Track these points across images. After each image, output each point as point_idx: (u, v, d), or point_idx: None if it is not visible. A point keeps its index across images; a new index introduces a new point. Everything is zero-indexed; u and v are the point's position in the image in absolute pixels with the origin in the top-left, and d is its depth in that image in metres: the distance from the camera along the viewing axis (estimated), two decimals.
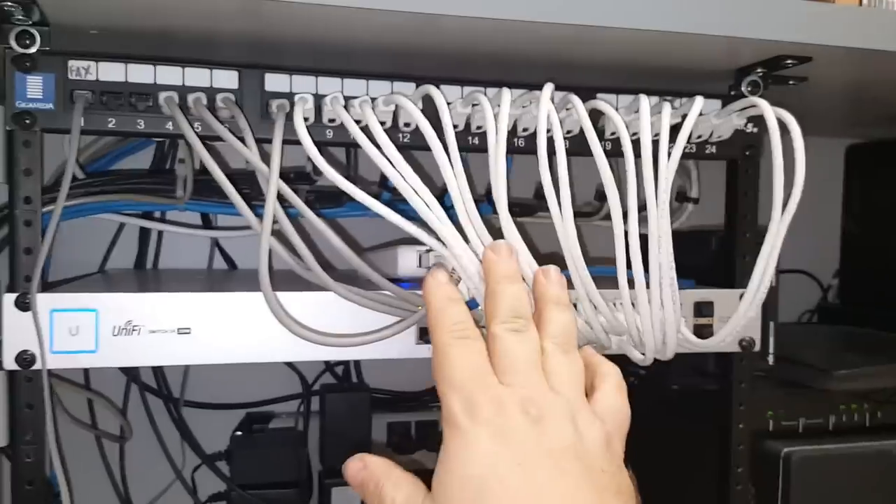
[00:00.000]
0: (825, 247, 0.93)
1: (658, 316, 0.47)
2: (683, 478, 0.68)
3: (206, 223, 0.70)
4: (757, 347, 0.55)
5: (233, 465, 0.73)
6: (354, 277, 0.49)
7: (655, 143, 0.46)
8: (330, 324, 0.48)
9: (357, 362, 0.81)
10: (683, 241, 0.62)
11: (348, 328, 0.48)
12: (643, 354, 0.49)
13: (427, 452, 0.81)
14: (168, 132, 0.46)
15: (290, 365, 0.78)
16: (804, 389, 0.64)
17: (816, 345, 0.77)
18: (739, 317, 0.48)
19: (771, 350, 0.57)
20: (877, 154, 0.86)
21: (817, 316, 0.93)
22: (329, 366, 0.80)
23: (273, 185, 0.41)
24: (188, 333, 0.46)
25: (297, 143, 0.44)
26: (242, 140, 0.44)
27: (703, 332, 0.53)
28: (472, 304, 0.49)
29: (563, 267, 0.47)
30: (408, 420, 0.81)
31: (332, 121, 0.47)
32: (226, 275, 0.70)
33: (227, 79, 0.47)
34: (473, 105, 0.48)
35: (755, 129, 0.55)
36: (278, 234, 0.44)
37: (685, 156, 0.54)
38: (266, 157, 0.44)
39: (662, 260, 0.46)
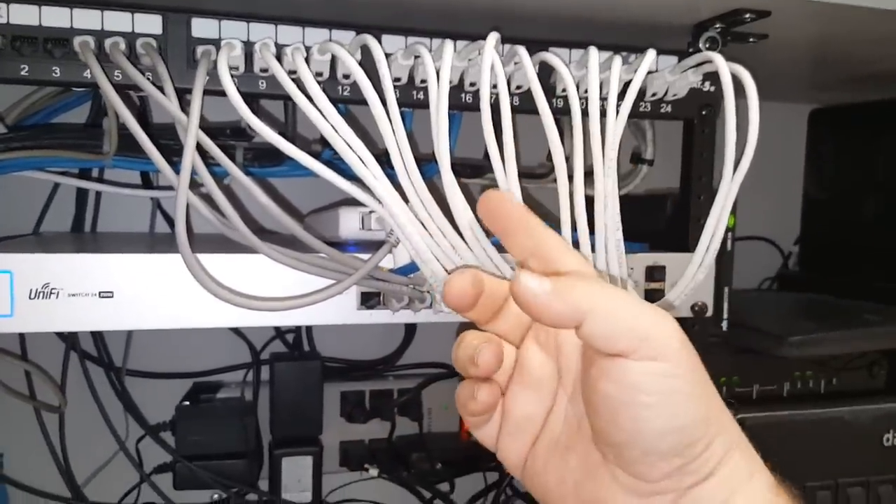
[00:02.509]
0: (787, 214, 0.92)
1: (604, 276, 0.45)
2: None
3: (147, 182, 0.67)
4: (710, 313, 0.54)
5: (178, 436, 0.71)
6: (296, 241, 0.47)
7: (605, 100, 0.44)
8: (265, 288, 0.45)
9: (309, 330, 0.79)
10: (638, 205, 0.61)
11: (283, 293, 0.45)
12: None
13: (381, 422, 0.79)
14: (87, 80, 0.43)
15: (238, 333, 0.76)
16: (759, 356, 0.64)
17: (773, 311, 0.77)
18: (687, 279, 0.47)
19: (725, 316, 0.56)
20: (840, 119, 0.85)
21: (777, 283, 0.93)
22: (279, 333, 0.78)
23: (192, 136, 0.39)
24: (110, 297, 0.44)
25: (224, 94, 0.41)
26: (162, 90, 0.41)
27: (654, 296, 0.52)
28: (410, 269, 0.47)
29: None
30: (362, 389, 0.80)
31: (264, 71, 0.44)
32: (166, 238, 0.68)
33: (149, 23, 0.43)
34: (416, 57, 0.45)
35: (712, 88, 0.53)
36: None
37: (639, 115, 0.52)
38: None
39: (608, 221, 0.44)
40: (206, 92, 0.42)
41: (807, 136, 0.88)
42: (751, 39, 0.55)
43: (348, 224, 0.51)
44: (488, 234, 0.45)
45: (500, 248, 0.45)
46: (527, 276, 0.29)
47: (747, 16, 0.50)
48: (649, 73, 0.49)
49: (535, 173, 0.61)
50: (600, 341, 0.29)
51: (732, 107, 0.44)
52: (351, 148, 0.41)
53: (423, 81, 0.47)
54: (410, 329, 0.83)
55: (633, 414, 0.28)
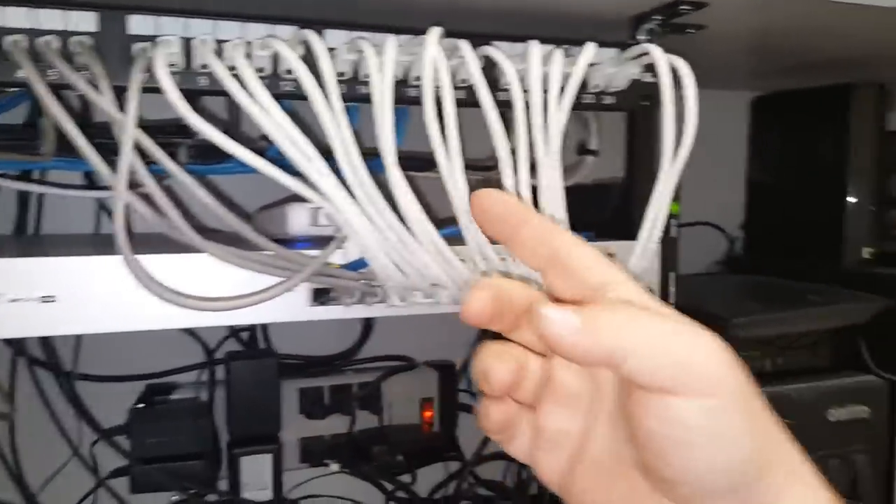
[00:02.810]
0: (732, 199, 0.94)
1: None
2: None
3: (91, 183, 0.66)
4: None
5: (133, 439, 0.70)
6: (245, 240, 0.46)
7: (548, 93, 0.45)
8: (213, 289, 0.45)
9: (264, 328, 0.78)
10: (584, 195, 0.61)
11: (234, 293, 0.45)
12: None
13: (341, 416, 0.79)
14: (19, 81, 0.42)
15: (191, 333, 0.75)
16: None
17: (718, 294, 0.78)
18: (630, 266, 0.48)
19: (671, 300, 0.57)
20: (781, 106, 0.87)
21: (724, 267, 0.95)
22: (233, 332, 0.77)
23: (129, 136, 0.38)
24: (52, 301, 0.43)
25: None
26: (98, 89, 0.41)
27: None
28: (361, 264, 0.47)
29: (455, 223, 0.46)
30: (320, 385, 0.80)
31: (205, 67, 0.44)
32: (112, 238, 0.66)
33: (84, 21, 0.42)
34: (359, 52, 0.45)
35: (652, 79, 0.54)
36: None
37: (582, 107, 0.53)
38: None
39: (554, 212, 0.45)
40: (144, 90, 0.42)
41: (749, 123, 0.90)
42: (689, 30, 0.56)
43: (297, 220, 0.51)
44: (437, 226, 0.45)
45: (452, 242, 0.46)
46: (550, 314, 0.26)
47: (685, 7, 0.51)
48: (591, 65, 0.50)
49: (483, 165, 0.62)
50: (641, 379, 0.26)
51: (670, 98, 0.45)
52: (295, 145, 0.41)
53: (367, 76, 0.47)
54: (368, 323, 0.83)
55: (682, 452, 0.26)
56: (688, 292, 0.61)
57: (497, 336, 0.32)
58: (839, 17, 0.54)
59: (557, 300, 0.30)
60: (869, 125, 0.77)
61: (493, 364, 0.30)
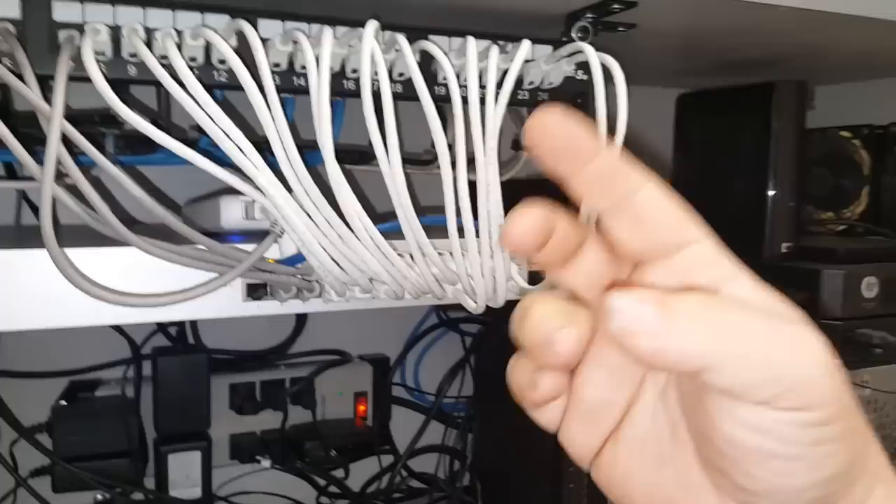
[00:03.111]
0: None
1: (488, 264, 0.46)
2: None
3: (11, 173, 0.63)
4: None
5: (56, 437, 0.68)
6: (175, 233, 0.45)
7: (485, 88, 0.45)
8: (143, 283, 0.44)
9: (194, 323, 0.77)
10: (520, 189, 0.62)
11: (166, 288, 0.44)
12: (475, 303, 0.48)
13: (273, 412, 0.78)
14: None
15: (116, 328, 0.73)
16: None
17: None
18: None
19: None
20: (703, 102, 0.89)
21: None
22: (161, 327, 0.75)
23: (55, 128, 0.37)
24: None
25: (89, 80, 0.39)
26: (22, 78, 0.39)
27: (537, 278, 0.53)
28: (297, 259, 0.46)
29: (393, 217, 0.46)
30: (252, 380, 0.79)
31: (133, 55, 0.43)
32: (34, 230, 0.64)
33: (6, 6, 0.40)
34: (294, 43, 0.45)
35: (585, 77, 0.55)
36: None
37: (518, 103, 0.53)
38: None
39: (491, 208, 0.45)
40: (71, 78, 0.40)
41: (675, 119, 0.92)
42: (620, 28, 0.57)
43: (230, 213, 0.50)
44: (375, 221, 0.45)
45: (389, 237, 0.46)
46: (622, 305, 0.21)
47: (615, 6, 0.52)
48: (526, 62, 0.50)
49: (421, 160, 0.62)
50: (732, 391, 0.22)
51: (602, 95, 0.46)
52: (228, 136, 0.40)
53: (303, 67, 0.47)
54: (301, 317, 0.82)
55: (772, 466, 0.22)
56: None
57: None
58: (760, 17, 0.57)
59: (613, 252, 0.26)
60: (790, 121, 0.80)
61: (564, 330, 0.24)
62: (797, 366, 0.21)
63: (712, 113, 0.89)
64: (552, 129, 0.24)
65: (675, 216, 0.25)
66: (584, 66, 0.54)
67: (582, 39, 0.55)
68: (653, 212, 0.24)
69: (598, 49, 0.50)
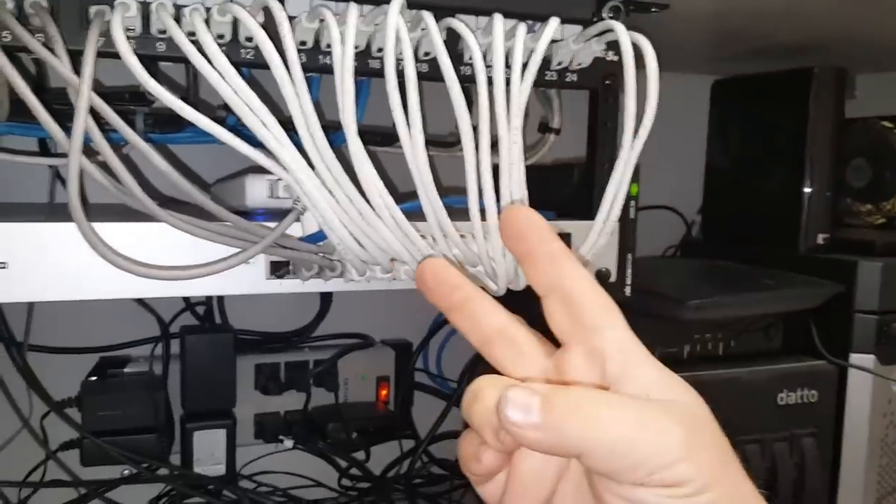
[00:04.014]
0: (691, 183, 0.95)
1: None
2: None
3: (44, 150, 0.64)
4: (613, 279, 0.56)
5: (85, 412, 0.69)
6: (202, 211, 0.45)
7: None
8: (169, 257, 0.44)
9: (220, 302, 0.78)
10: (546, 174, 0.62)
11: (192, 262, 0.44)
12: (497, 285, 0.48)
13: (296, 393, 0.79)
14: None
15: (145, 305, 0.74)
16: (661, 320, 0.66)
17: (674, 277, 0.80)
18: (589, 245, 0.48)
19: (628, 281, 0.58)
20: (740, 90, 0.88)
21: (681, 251, 0.96)
22: (189, 306, 0.76)
23: (84, 99, 0.37)
24: (4, 268, 0.42)
25: (119, 56, 0.40)
26: (54, 52, 0.39)
27: None
28: (319, 237, 0.46)
29: (415, 197, 0.45)
30: (277, 361, 0.79)
31: (162, 32, 0.43)
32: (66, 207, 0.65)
33: None
34: (321, 21, 0.45)
35: (615, 58, 0.54)
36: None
37: (545, 84, 0.53)
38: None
39: (514, 189, 0.45)
40: (101, 54, 0.41)
41: (710, 105, 0.91)
42: (652, 9, 0.56)
43: (255, 192, 0.50)
44: (397, 200, 0.45)
45: (413, 217, 0.46)
46: (510, 404, 0.26)
47: None
48: (554, 41, 0.50)
49: (445, 142, 0.62)
50: (608, 474, 0.26)
51: (632, 74, 0.45)
52: (254, 113, 0.40)
53: (328, 46, 0.47)
54: (326, 299, 0.83)
55: None
56: (645, 274, 0.62)
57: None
58: (791, 3, 0.55)
59: (546, 332, 0.30)
60: (828, 111, 0.78)
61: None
62: (660, 451, 0.25)
63: (748, 100, 0.87)
64: (516, 220, 0.31)
65: (599, 302, 0.29)
66: (615, 47, 0.53)
67: (613, 19, 0.54)
68: (580, 295, 0.29)
69: (628, 29, 0.49)
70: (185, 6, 0.43)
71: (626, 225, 0.58)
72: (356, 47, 0.42)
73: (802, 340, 0.74)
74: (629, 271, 0.58)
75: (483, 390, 0.28)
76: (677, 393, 0.28)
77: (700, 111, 0.92)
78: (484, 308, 0.31)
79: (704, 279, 0.80)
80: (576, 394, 0.27)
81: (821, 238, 0.79)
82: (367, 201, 0.44)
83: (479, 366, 0.87)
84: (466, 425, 0.30)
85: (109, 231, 0.43)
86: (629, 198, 0.58)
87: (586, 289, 0.29)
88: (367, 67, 0.48)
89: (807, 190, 0.79)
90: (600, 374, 0.28)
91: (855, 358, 0.72)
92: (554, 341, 0.31)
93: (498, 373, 0.31)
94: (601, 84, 0.54)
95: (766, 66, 0.82)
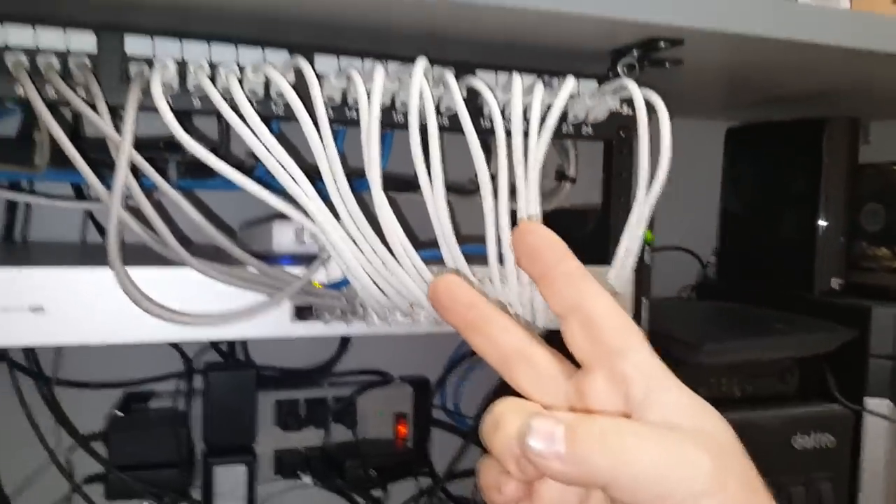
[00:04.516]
0: (706, 225, 0.96)
1: (527, 293, 0.47)
2: None
3: (79, 194, 0.66)
4: None
5: (110, 446, 0.71)
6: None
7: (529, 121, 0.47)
8: (197, 302, 0.46)
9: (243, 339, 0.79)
10: (561, 220, 0.63)
11: (218, 307, 0.46)
12: None
13: (316, 429, 0.80)
14: (18, 96, 0.43)
15: (171, 343, 0.76)
16: (675, 363, 0.66)
17: (689, 320, 0.80)
18: None
19: (644, 325, 0.59)
20: (753, 136, 0.89)
21: (696, 291, 0.97)
22: (213, 343, 0.78)
23: (124, 157, 0.39)
24: (41, 312, 0.44)
25: (157, 110, 0.42)
26: (95, 108, 0.42)
27: None
28: (343, 283, 0.48)
29: (435, 244, 0.47)
30: (296, 397, 0.80)
31: (198, 88, 0.45)
32: (99, 248, 0.67)
33: (83, 41, 0.44)
34: (348, 79, 0.47)
35: (630, 111, 0.56)
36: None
37: (562, 136, 0.55)
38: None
39: None
40: (139, 108, 0.43)
41: (724, 151, 0.92)
42: (666, 65, 0.58)
43: (282, 238, 0.52)
44: (417, 248, 0.47)
45: (431, 264, 0.48)
46: (534, 433, 0.25)
47: (662, 44, 0.53)
48: (571, 96, 0.52)
49: (464, 189, 0.64)
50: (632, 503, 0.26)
51: (646, 133, 0.47)
52: (283, 167, 0.42)
53: (355, 101, 0.49)
54: (345, 337, 0.84)
55: None
56: (660, 317, 0.63)
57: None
58: (808, 55, 0.57)
59: (566, 353, 0.30)
60: (841, 158, 0.80)
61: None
62: (688, 481, 0.25)
63: (761, 147, 0.88)
64: (530, 238, 0.30)
65: (620, 324, 0.28)
66: (630, 101, 0.55)
67: (628, 75, 0.56)
68: (600, 317, 0.28)
69: (643, 82, 0.51)
70: (220, 64, 0.45)
71: (641, 270, 0.59)
72: (381, 104, 0.44)
73: (818, 384, 0.75)
74: (645, 315, 0.59)
75: (504, 416, 0.28)
76: (704, 419, 0.27)
77: (714, 153, 0.94)
78: (501, 327, 0.30)
79: (719, 323, 0.81)
80: (601, 423, 0.26)
81: (835, 282, 0.80)
82: (390, 250, 0.45)
83: (497, 399, 0.88)
84: (485, 450, 0.29)
85: (142, 276, 0.45)
86: (644, 244, 0.59)
87: (606, 310, 0.28)
88: (392, 120, 0.50)
89: (820, 234, 0.80)
90: (623, 398, 0.27)
91: (870, 402, 0.72)
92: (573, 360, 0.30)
93: (517, 394, 0.30)
94: (616, 136, 0.56)
95: (779, 113, 0.84)
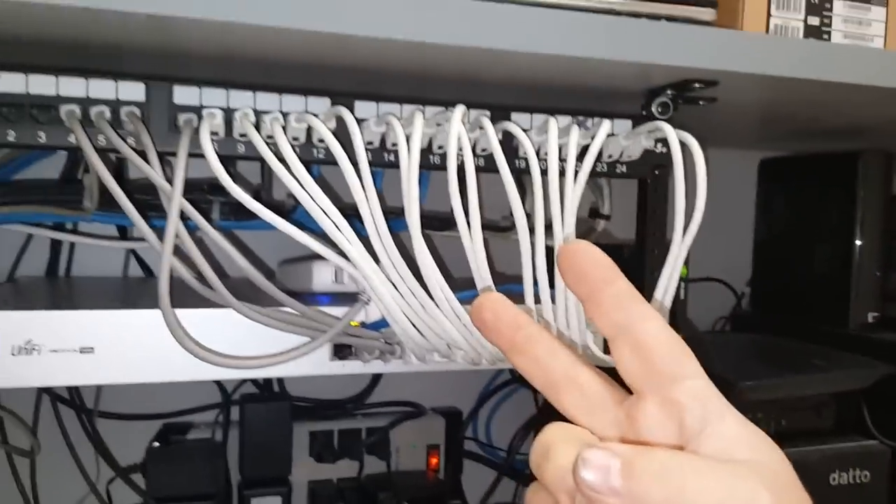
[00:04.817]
0: (741, 255, 0.96)
1: (564, 332, 0.48)
2: None
3: (122, 234, 0.68)
4: None
5: (149, 478, 0.72)
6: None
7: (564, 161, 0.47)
8: (239, 341, 0.47)
9: None
10: None
11: (258, 345, 0.47)
12: None
13: (350, 462, 0.81)
14: (71, 145, 0.45)
15: None
16: None
17: (725, 355, 0.80)
18: None
19: None
20: (786, 168, 0.89)
21: (731, 323, 0.96)
22: None
23: (175, 204, 0.41)
24: (91, 352, 0.45)
25: (203, 156, 0.44)
26: (145, 156, 0.43)
27: None
28: (381, 324, 0.49)
29: (471, 281, 0.48)
30: (331, 429, 0.81)
31: (243, 135, 0.47)
32: (140, 284, 0.69)
33: (133, 91, 0.45)
34: (387, 124, 0.48)
35: (664, 150, 0.56)
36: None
37: (597, 174, 0.55)
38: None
39: None
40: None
41: (757, 183, 0.92)
42: (701, 102, 0.58)
43: (321, 277, 0.53)
44: (453, 286, 0.48)
45: (465, 303, 0.48)
46: (589, 465, 0.24)
47: (697, 84, 0.54)
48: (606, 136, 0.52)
49: (499, 226, 0.64)
50: None
51: (681, 175, 0.48)
52: (325, 213, 0.43)
53: (394, 144, 0.50)
54: None
55: None
56: (696, 352, 0.63)
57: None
58: (842, 94, 0.57)
59: (615, 376, 0.29)
60: (876, 192, 0.79)
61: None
62: None
63: (795, 179, 0.88)
64: (577, 258, 0.28)
65: (674, 349, 0.27)
66: (664, 140, 0.56)
67: (662, 114, 0.56)
68: (653, 341, 0.27)
69: (678, 118, 0.51)
70: (265, 112, 0.46)
71: (676, 305, 0.59)
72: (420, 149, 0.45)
73: (854, 421, 0.74)
74: None
75: (556, 446, 0.27)
76: (761, 451, 0.26)
77: (748, 182, 0.94)
78: (548, 349, 0.29)
79: (754, 358, 0.80)
80: (660, 458, 0.25)
81: (870, 316, 0.79)
82: (428, 293, 0.46)
83: (531, 431, 0.88)
84: (532, 478, 0.28)
85: (187, 317, 0.46)
86: (680, 280, 0.59)
87: (659, 333, 0.27)
88: (429, 162, 0.51)
89: (855, 267, 0.79)
90: (678, 426, 0.26)
91: None
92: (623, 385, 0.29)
93: (560, 418, 0.29)
94: (651, 174, 0.57)
95: (812, 145, 0.84)
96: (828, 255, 0.82)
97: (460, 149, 0.46)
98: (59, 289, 0.64)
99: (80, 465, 0.71)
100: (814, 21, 0.56)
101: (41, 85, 0.44)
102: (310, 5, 0.40)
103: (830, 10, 0.56)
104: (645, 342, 0.27)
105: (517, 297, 0.48)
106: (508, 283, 0.50)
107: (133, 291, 0.63)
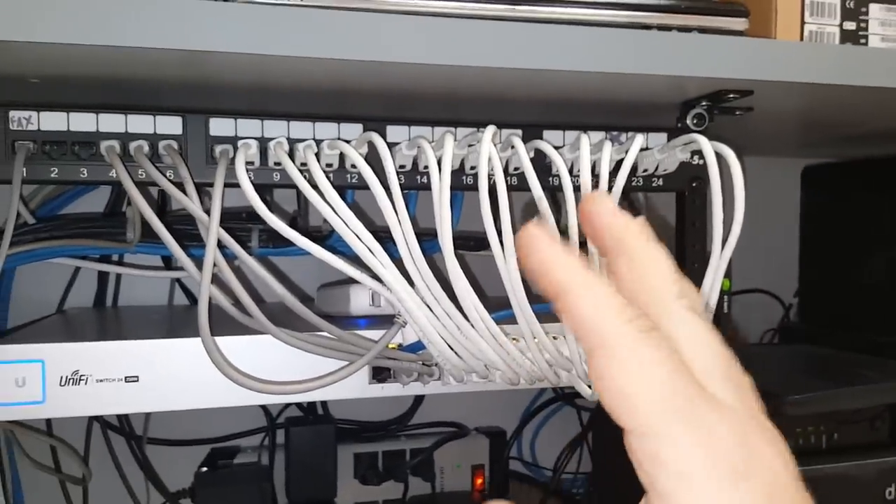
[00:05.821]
0: (787, 265, 0.94)
1: None
2: None
3: (167, 263, 0.70)
4: None
5: (197, 502, 0.73)
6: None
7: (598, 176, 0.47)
8: (278, 366, 0.48)
9: None
10: None
11: (298, 370, 0.48)
12: (590, 387, 0.49)
13: (395, 483, 0.81)
14: (112, 179, 0.46)
15: None
16: None
17: (773, 368, 0.78)
18: None
19: None
20: (831, 175, 0.87)
21: (779, 335, 0.94)
22: None
23: (213, 235, 0.42)
24: (136, 381, 0.46)
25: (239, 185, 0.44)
26: (183, 188, 0.44)
27: None
28: (418, 346, 0.49)
29: (505, 300, 0.48)
30: (375, 450, 0.81)
31: (278, 164, 0.48)
32: (185, 312, 0.70)
33: (170, 124, 0.47)
34: (418, 147, 0.49)
35: (701, 161, 0.55)
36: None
37: (633, 189, 0.55)
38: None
39: None
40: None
41: (801, 190, 0.90)
42: (737, 113, 0.58)
43: (359, 301, 0.54)
44: (488, 306, 0.48)
45: (501, 322, 0.48)
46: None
47: (731, 95, 0.53)
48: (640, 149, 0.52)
49: None
50: None
51: (718, 188, 0.47)
52: (359, 238, 0.44)
53: (425, 167, 0.50)
54: None
55: None
56: (743, 365, 0.61)
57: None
58: (881, 98, 0.55)
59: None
60: None
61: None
62: None
63: (840, 185, 0.86)
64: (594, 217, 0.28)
65: (666, 266, 0.27)
66: (700, 152, 0.55)
67: (697, 126, 0.56)
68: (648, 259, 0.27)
69: (714, 129, 0.50)
70: (298, 140, 0.47)
71: (720, 319, 0.58)
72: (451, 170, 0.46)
73: None
74: None
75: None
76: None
77: (791, 190, 0.92)
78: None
79: (803, 370, 0.78)
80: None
81: None
82: (463, 314, 0.46)
83: (576, 449, 0.87)
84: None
85: (228, 345, 0.47)
86: (722, 293, 0.58)
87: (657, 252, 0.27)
88: (461, 183, 0.51)
89: None
90: None
91: None
92: None
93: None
94: (688, 186, 0.56)
95: (855, 150, 0.82)
96: (878, 264, 0.80)
97: (492, 169, 0.46)
98: (105, 319, 0.65)
99: (131, 492, 0.72)
100: (850, 26, 0.55)
101: (82, 122, 0.46)
102: (344, 35, 0.41)
103: (866, 13, 0.55)
104: (637, 256, 0.27)
105: (551, 316, 0.48)
106: (544, 303, 0.49)
107: (177, 320, 0.64)
